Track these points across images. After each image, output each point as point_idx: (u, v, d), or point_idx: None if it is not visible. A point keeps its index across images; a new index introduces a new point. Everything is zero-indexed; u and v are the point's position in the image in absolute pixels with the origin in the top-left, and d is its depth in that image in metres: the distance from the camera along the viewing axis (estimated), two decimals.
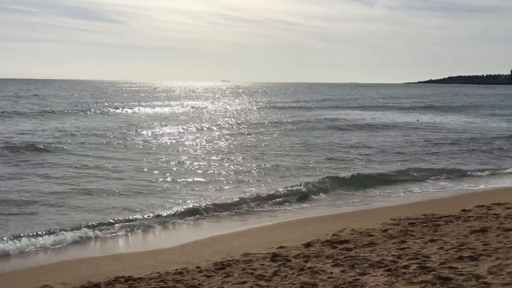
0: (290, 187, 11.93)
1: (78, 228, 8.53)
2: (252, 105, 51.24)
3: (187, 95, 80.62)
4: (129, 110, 39.28)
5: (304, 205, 10.98)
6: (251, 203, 10.63)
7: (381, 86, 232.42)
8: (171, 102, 54.59)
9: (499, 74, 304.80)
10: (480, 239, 7.09)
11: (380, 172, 14.29)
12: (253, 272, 6.13)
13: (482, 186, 12.99)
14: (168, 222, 9.36)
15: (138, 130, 24.48)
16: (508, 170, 15.16)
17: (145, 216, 9.36)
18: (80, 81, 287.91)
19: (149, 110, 40.64)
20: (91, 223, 8.79)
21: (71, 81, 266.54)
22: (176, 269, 6.54)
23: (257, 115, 37.55)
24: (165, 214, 9.62)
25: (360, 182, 12.90)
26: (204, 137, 22.63)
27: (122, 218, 9.18)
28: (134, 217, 9.30)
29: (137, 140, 20.79)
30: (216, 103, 56.46)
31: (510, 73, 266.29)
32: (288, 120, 32.46)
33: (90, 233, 8.42)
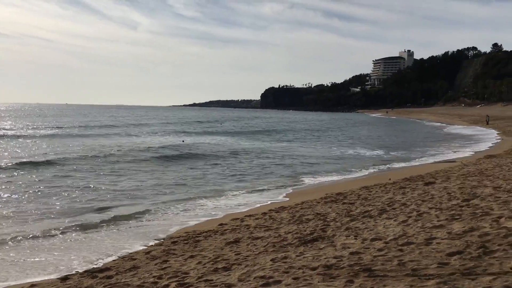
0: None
1: None
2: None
3: None
4: None
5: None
6: None
7: (149, 109, 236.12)
8: None
9: (251, 99, 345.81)
10: (234, 250, 7.72)
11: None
12: None
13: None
14: None
15: None
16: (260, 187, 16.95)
17: None
18: None
19: None
20: None
21: None
22: None
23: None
24: None
25: None
26: None
27: None
28: None
29: None
30: None
31: (259, 98, 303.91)
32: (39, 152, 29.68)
33: None
